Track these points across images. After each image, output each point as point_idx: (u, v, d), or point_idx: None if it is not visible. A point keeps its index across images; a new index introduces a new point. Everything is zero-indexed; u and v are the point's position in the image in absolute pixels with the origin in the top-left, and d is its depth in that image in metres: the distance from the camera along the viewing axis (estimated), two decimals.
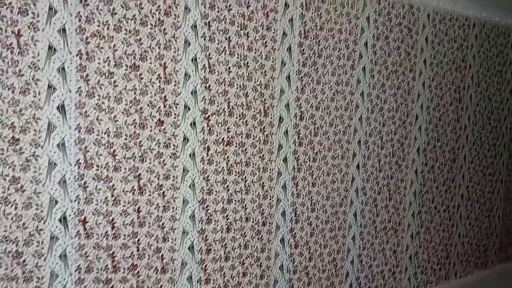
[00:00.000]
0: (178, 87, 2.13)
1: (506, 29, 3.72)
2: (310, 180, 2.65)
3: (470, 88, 3.53)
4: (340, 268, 2.83)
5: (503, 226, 3.91)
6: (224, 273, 2.33)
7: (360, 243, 2.92)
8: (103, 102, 1.93)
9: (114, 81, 1.95)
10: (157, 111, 2.07)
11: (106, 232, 1.95)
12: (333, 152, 2.75)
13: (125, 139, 1.99)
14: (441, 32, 3.24)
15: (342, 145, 2.78)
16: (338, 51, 2.70)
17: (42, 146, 1.78)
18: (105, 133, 1.93)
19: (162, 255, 2.12)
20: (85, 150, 1.89)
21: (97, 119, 1.91)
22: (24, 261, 1.77)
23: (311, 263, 2.69)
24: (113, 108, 1.95)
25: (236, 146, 2.34)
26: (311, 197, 2.66)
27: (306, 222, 2.65)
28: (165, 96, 2.09)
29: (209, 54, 2.21)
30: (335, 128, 2.74)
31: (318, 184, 2.69)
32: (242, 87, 2.34)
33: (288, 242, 2.58)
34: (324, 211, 2.73)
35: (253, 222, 2.43)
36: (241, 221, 2.38)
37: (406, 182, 3.15)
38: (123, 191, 1.99)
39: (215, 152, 2.27)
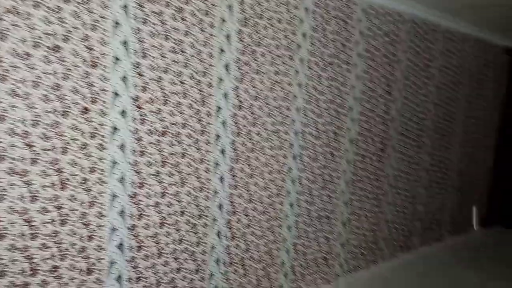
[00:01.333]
0: (107, 72, 1.96)
1: (434, 25, 3.91)
2: (248, 171, 2.60)
3: (399, 81, 3.68)
4: (276, 258, 2.84)
5: (425, 211, 4.18)
6: (157, 270, 2.22)
7: (295, 232, 2.95)
8: (18, 87, 1.70)
9: (32, 64, 1.73)
10: (82, 98, 1.88)
11: (22, 232, 1.75)
12: (271, 142, 2.72)
13: (44, 128, 1.79)
14: (375, 26, 3.32)
15: (279, 135, 2.76)
16: (277, 41, 2.65)
17: None
18: (20, 121, 1.72)
19: (87, 255, 1.95)
20: None
21: (10, 105, 1.69)
22: None
23: (247, 255, 2.66)
24: (30, 93, 1.73)
25: (171, 137, 2.22)
26: (249, 189, 2.62)
27: (243, 213, 2.60)
28: (91, 81, 1.91)
29: (142, 38, 2.05)
30: (273, 118, 2.71)
31: (256, 175, 2.65)
32: (178, 74, 2.21)
33: (225, 234, 2.52)
34: (261, 201, 2.70)
35: (188, 215, 2.33)
36: (175, 215, 2.27)
37: (339, 172, 3.23)
38: (42, 186, 1.80)
39: (148, 143, 2.13)
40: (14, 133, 1.70)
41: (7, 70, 1.67)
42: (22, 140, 1.73)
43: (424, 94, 3.97)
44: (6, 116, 1.68)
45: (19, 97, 1.71)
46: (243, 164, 2.57)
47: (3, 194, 1.69)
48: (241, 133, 2.54)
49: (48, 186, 1.81)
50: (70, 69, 1.84)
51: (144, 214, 2.14)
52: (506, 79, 5.11)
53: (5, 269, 1.71)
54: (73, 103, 1.85)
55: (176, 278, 2.31)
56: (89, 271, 1.96)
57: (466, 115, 4.55)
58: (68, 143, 1.85)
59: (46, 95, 1.78)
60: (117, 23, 1.95)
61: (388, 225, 3.77)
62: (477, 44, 4.49)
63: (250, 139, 2.60)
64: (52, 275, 1.85)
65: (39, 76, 1.75)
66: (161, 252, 2.23)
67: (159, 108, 2.16)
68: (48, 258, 1.83)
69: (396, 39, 3.54)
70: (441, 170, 4.34)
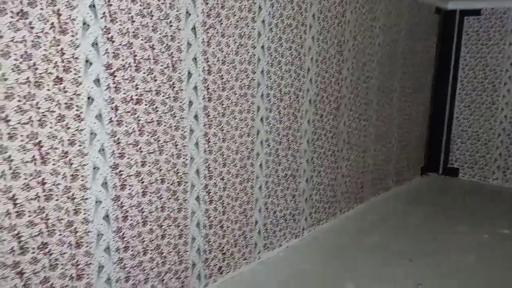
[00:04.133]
0: (77, 39, 1.85)
1: None
2: (220, 136, 2.63)
3: (349, 42, 3.84)
4: (250, 217, 2.94)
5: (374, 164, 4.51)
6: (143, 239, 2.22)
7: (265, 192, 3.06)
8: None
9: None
10: (54, 67, 1.78)
11: (7, 210, 1.66)
12: (240, 106, 2.75)
13: (19, 101, 1.67)
14: None
15: (247, 98, 2.80)
16: (239, 3, 2.64)
17: None
18: None
19: (75, 229, 1.90)
20: None
21: None
22: None
23: (225, 216, 2.73)
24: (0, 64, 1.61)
25: (146, 105, 2.17)
26: (222, 153, 2.66)
27: (219, 177, 2.65)
28: (62, 49, 1.80)
29: (109, 1, 1.95)
30: (240, 82, 2.74)
31: (228, 139, 2.69)
32: (147, 38, 2.14)
33: (203, 199, 2.56)
34: (235, 165, 2.76)
35: (168, 183, 2.33)
36: (156, 183, 2.26)
37: (301, 132, 3.36)
38: (22, 161, 1.70)
39: (124, 111, 2.07)
40: None
41: None
42: None
43: (370, 54, 4.19)
44: None
45: None
46: (215, 129, 2.59)
47: None
48: (212, 98, 2.55)
49: (29, 162, 1.72)
50: (39, 36, 1.71)
51: (126, 184, 2.11)
52: (436, 37, 5.51)
53: None
54: (46, 73, 1.74)
55: (161, 245, 2.33)
56: (78, 245, 1.92)
57: (403, 72, 4.87)
58: (44, 115, 1.76)
59: (17, 65, 1.65)
60: None
61: (344, 179, 4.02)
62: (412, 4, 4.78)
63: (221, 103, 2.61)
64: (42, 251, 1.79)
65: (7, 45, 1.62)
66: (146, 221, 2.23)
67: (132, 76, 2.09)
68: (36, 235, 1.76)
69: (345, 0, 3.67)
70: (385, 125, 4.67)
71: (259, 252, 3.05)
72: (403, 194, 4.89)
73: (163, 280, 2.36)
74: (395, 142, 4.91)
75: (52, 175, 1.80)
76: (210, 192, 2.60)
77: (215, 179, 2.63)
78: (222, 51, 2.58)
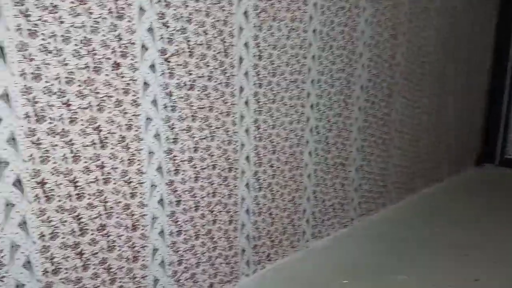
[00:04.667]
0: (133, 24, 1.86)
1: None
2: (270, 123, 2.59)
3: (403, 24, 3.66)
4: (299, 206, 2.91)
5: (427, 153, 4.31)
6: (195, 223, 2.24)
7: (314, 180, 3.00)
8: (48, 43, 1.61)
9: (59, 17, 1.62)
10: (112, 52, 1.80)
11: (68, 193, 1.72)
12: (290, 92, 2.70)
13: (79, 85, 1.71)
14: None
15: (297, 84, 2.74)
16: None
17: None
18: (55, 79, 1.63)
19: (131, 212, 1.95)
20: (34, 101, 1.59)
21: (44, 63, 1.60)
22: None
23: (274, 204, 2.71)
24: (61, 49, 1.64)
25: (198, 90, 2.17)
26: (272, 140, 2.62)
27: (268, 164, 2.62)
28: (119, 34, 1.82)
29: None
30: (291, 67, 2.67)
31: (278, 126, 2.65)
32: (200, 24, 2.13)
33: (253, 185, 2.54)
34: (284, 152, 2.72)
35: (219, 169, 2.33)
36: (208, 169, 2.27)
37: (351, 119, 3.26)
38: (83, 145, 1.75)
39: (178, 97, 2.08)
40: (51, 92, 1.63)
41: (35, 25, 1.56)
42: (59, 99, 1.65)
43: (424, 37, 3.98)
44: (41, 74, 1.59)
45: (50, 53, 1.61)
46: (265, 116, 2.56)
47: (47, 156, 1.64)
48: (263, 84, 2.51)
49: (88, 146, 1.76)
50: (98, 22, 1.74)
51: (179, 169, 2.13)
52: (495, 19, 5.15)
53: (56, 231, 1.69)
54: (104, 58, 1.77)
55: (212, 230, 2.34)
56: (134, 228, 1.97)
57: (459, 56, 4.60)
58: (103, 100, 1.79)
59: (77, 50, 1.68)
60: None
61: (396, 168, 3.88)
62: None
63: (271, 89, 2.57)
64: (100, 233, 1.84)
65: (68, 30, 1.65)
66: (198, 206, 2.24)
67: (185, 61, 2.09)
68: (95, 217, 1.81)
69: None
70: (439, 112, 4.44)
71: (307, 241, 3.01)
72: (457, 185, 4.67)
73: (214, 264, 2.38)
74: (449, 130, 4.68)
75: (111, 159, 1.84)
76: (259, 179, 2.58)
77: (264, 166, 2.60)
78: (273, 36, 2.53)
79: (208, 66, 2.20)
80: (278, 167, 2.70)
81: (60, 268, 1.73)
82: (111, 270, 1.90)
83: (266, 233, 2.68)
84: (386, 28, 3.44)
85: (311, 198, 3.00)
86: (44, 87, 1.61)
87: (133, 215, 1.95)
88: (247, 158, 2.48)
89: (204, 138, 2.23)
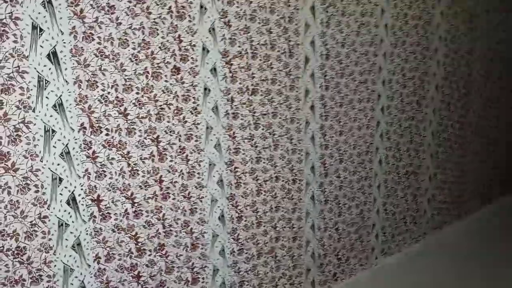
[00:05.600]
0: (194, 24, 1.69)
1: None
2: (337, 129, 2.34)
3: (481, 17, 3.26)
4: (367, 219, 2.63)
5: (506, 158, 3.86)
6: (257, 241, 2.05)
7: (384, 191, 2.72)
8: (105, 47, 1.47)
9: (117, 18, 1.48)
10: (171, 56, 1.64)
11: (126, 210, 1.58)
12: (359, 95, 2.43)
13: (137, 93, 1.56)
14: None
15: (367, 85, 2.47)
16: None
17: (33, 110, 1.33)
18: (111, 87, 1.49)
19: (191, 230, 1.78)
20: (90, 111, 1.45)
21: (100, 68, 1.46)
22: (28, 259, 1.38)
23: (340, 218, 2.46)
24: (118, 54, 1.50)
25: (261, 95, 1.97)
26: (339, 148, 2.37)
27: (335, 175, 2.38)
28: (179, 36, 1.65)
29: None
30: (360, 67, 2.41)
31: (345, 132, 2.39)
32: (264, 21, 1.92)
33: (318, 198, 2.31)
34: (352, 161, 2.46)
35: (283, 181, 2.12)
36: (271, 181, 2.06)
37: (425, 122, 2.93)
38: (140, 158, 1.60)
39: (240, 103, 1.89)
40: (107, 101, 1.49)
41: (91, 27, 1.42)
42: (116, 108, 1.51)
43: (505, 30, 3.54)
44: (97, 81, 1.46)
45: (107, 58, 1.47)
46: (332, 121, 2.31)
47: (103, 170, 1.50)
48: (330, 86, 2.26)
49: (147, 158, 1.61)
50: (157, 22, 1.58)
51: (241, 182, 1.94)
52: None
53: (112, 252, 1.56)
54: (163, 62, 1.61)
55: (275, 247, 2.14)
56: (194, 247, 1.80)
57: None
58: (162, 108, 1.63)
59: (134, 54, 1.53)
60: None
61: (473, 176, 3.49)
62: None
63: (339, 92, 2.32)
64: (159, 253, 1.69)
65: (125, 33, 1.50)
66: (260, 221, 2.04)
67: (248, 63, 1.89)
68: (153, 237, 1.66)
69: None
70: None
71: (376, 258, 2.73)
72: None
73: (277, 286, 2.18)
74: None
75: (169, 172, 1.68)
76: (325, 191, 2.34)
77: (330, 177, 2.36)
78: (342, 32, 2.27)
79: (271, 68, 1.99)
80: (346, 178, 2.45)
81: None
82: None
83: (332, 251, 2.44)
84: (463, 20, 3.07)
85: (381, 211, 2.72)
86: (100, 95, 1.47)
87: (192, 233, 1.79)
88: (312, 168, 2.25)
89: (267, 147, 2.02)
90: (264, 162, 2.02)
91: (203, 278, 1.85)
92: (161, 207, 1.67)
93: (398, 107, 2.70)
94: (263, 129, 1.99)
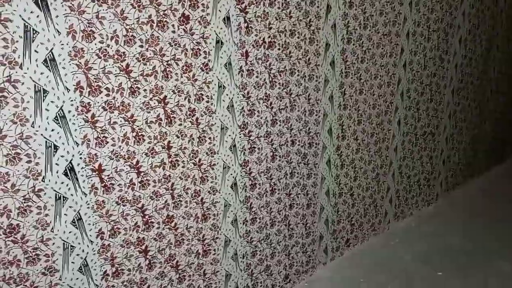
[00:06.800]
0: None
1: None
2: (357, 87, 2.14)
3: None
4: (382, 183, 2.50)
5: None
6: (270, 209, 1.91)
7: (401, 153, 2.56)
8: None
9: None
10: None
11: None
12: (382, 48, 2.20)
13: (141, 46, 1.34)
14: None
15: (391, 38, 2.24)
16: None
17: (20, 66, 1.11)
18: (111, 38, 1.26)
19: (201, 199, 1.63)
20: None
21: (97, 16, 1.22)
22: (23, 238, 1.22)
23: (356, 183, 2.32)
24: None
25: (279, 49, 1.74)
26: (358, 107, 2.18)
27: (352, 137, 2.20)
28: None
29: None
30: (385, 17, 2.16)
31: (365, 90, 2.19)
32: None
33: (334, 162, 2.15)
34: (371, 122, 2.28)
35: (299, 144, 1.94)
36: (286, 146, 1.89)
37: (446, 80, 2.73)
38: (146, 122, 1.40)
39: (255, 58, 1.67)
40: (107, 55, 1.26)
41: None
42: (116, 65, 1.29)
43: None
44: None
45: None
46: (352, 78, 2.10)
47: (104, 137, 1.31)
48: (352, 38, 2.03)
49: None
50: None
51: (255, 147, 1.76)
52: None
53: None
54: (170, 9, 1.37)
55: (289, 215, 2.00)
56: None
57: None
58: (169, 64, 1.41)
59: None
60: None
61: (487, 136, 3.34)
62: None
63: (361, 45, 2.09)
64: (167, 226, 1.54)
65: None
66: (274, 189, 1.89)
67: (265, 11, 1.65)
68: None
69: None
70: None
71: (388, 222, 2.63)
72: None
73: (290, 254, 2.07)
74: None
75: (178, 137, 1.49)
76: (342, 155, 2.18)
77: (348, 140, 2.19)
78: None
79: (290, 56, 1.76)
80: (363, 140, 2.28)
81: None
82: None
83: (346, 216, 2.32)
84: None
85: (396, 174, 2.58)
86: (99, 49, 1.25)
87: (203, 202, 1.63)
88: (330, 130, 2.07)
89: (283, 108, 1.83)
90: (279, 125, 1.83)
91: (214, 250, 1.72)
92: (169, 176, 1.50)
93: (420, 62, 2.48)
94: (279, 88, 1.79)
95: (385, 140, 2.41)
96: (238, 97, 1.64)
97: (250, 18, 1.60)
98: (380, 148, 2.40)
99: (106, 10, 1.23)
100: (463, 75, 2.85)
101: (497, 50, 3.13)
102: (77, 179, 1.28)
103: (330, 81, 1.99)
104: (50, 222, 1.26)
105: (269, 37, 1.68)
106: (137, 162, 1.40)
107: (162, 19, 1.36)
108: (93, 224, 1.34)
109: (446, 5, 2.52)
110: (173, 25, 1.39)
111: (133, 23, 1.30)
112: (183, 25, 1.41)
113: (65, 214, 1.28)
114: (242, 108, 1.67)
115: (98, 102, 1.27)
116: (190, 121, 1.51)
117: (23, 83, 1.13)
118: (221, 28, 1.52)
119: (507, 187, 3.28)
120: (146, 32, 1.33)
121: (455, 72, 2.77)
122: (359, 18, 2.02)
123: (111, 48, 1.27)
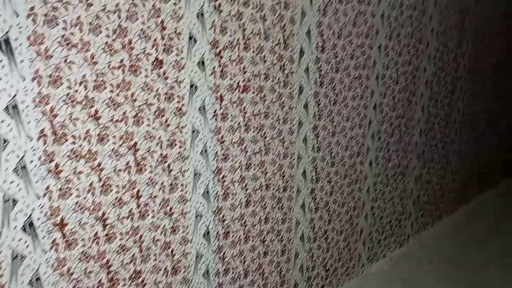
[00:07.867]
0: (180, 7, 1.40)
1: None
2: (330, 130, 2.14)
3: (471, 10, 3.14)
4: (356, 226, 2.47)
5: (485, 155, 3.83)
6: (244, 258, 1.82)
7: (373, 194, 2.56)
8: (72, 33, 1.16)
9: None
10: (153, 46, 1.35)
11: (96, 234, 1.30)
12: (353, 91, 2.23)
13: (111, 91, 1.27)
14: None
15: (361, 81, 2.27)
16: None
17: None
18: (80, 83, 1.19)
19: (172, 251, 1.52)
20: (52, 114, 1.15)
21: (65, 61, 1.15)
22: None
23: (330, 226, 2.28)
24: (87, 42, 1.19)
25: (253, 93, 1.71)
26: (331, 150, 2.17)
27: (326, 179, 2.18)
28: (162, 22, 1.36)
29: None
30: (355, 60, 2.20)
31: (338, 133, 2.19)
32: (258, 7, 1.66)
33: (309, 206, 2.11)
34: (343, 163, 2.27)
35: (273, 189, 1.89)
36: (261, 190, 1.83)
37: (414, 121, 2.79)
38: (114, 170, 1.31)
39: (230, 102, 1.63)
40: (75, 101, 1.18)
41: (55, 8, 1.11)
42: (85, 110, 1.21)
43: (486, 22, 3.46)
44: (62, 77, 1.15)
45: (75, 48, 1.16)
46: (325, 121, 2.10)
47: (68, 188, 1.21)
48: (324, 81, 2.04)
49: (122, 170, 1.33)
50: (136, 4, 1.28)
51: (229, 192, 1.69)
52: None
53: (79, 285, 1.28)
54: (143, 53, 1.32)
55: (263, 263, 1.92)
56: (175, 271, 1.55)
57: None
58: (140, 109, 1.35)
59: (108, 43, 1.24)
60: None
61: (453, 175, 3.42)
62: None
63: (333, 88, 2.10)
64: (134, 282, 1.42)
65: (97, 16, 1.20)
66: (248, 236, 1.82)
67: (240, 56, 1.63)
68: (128, 263, 1.39)
69: None
70: (502, 109, 3.94)
71: (362, 266, 2.58)
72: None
73: None
74: (503, 131, 4.18)
75: (148, 185, 1.41)
76: (316, 198, 2.14)
77: (321, 182, 2.16)
78: (339, 22, 2.05)
79: (265, 61, 1.74)
80: (337, 182, 2.26)
81: None
82: None
83: (320, 261, 2.26)
84: (454, 12, 2.93)
85: (369, 216, 2.56)
86: (66, 95, 1.17)
87: (174, 255, 1.53)
88: (304, 173, 2.04)
89: (258, 153, 1.78)
90: (254, 169, 1.78)
91: None
92: (138, 227, 1.40)
93: (389, 105, 2.53)
94: (254, 131, 1.75)
95: (358, 181, 2.41)
96: (212, 141, 1.58)
97: (224, 61, 1.57)
98: (353, 190, 2.38)
99: (75, 54, 1.16)
100: (429, 117, 2.93)
101: (460, 91, 3.26)
102: (36, 235, 1.16)
103: (303, 123, 1.98)
104: (5, 283, 1.13)
105: (243, 80, 1.66)
106: (103, 213, 1.30)
107: (134, 64, 1.30)
108: (52, 285, 1.22)
109: (413, 49, 2.61)
110: (146, 69, 1.34)
111: (103, 68, 1.23)
112: (156, 68, 1.36)
113: (21, 275, 1.15)
114: (216, 152, 1.61)
115: (63, 151, 1.18)
116: (161, 168, 1.43)
117: None
118: (195, 72, 1.48)
119: (473, 228, 3.34)
120: (118, 78, 1.27)
121: (422, 113, 2.84)
122: (331, 62, 2.05)
123: (79, 93, 1.19)
